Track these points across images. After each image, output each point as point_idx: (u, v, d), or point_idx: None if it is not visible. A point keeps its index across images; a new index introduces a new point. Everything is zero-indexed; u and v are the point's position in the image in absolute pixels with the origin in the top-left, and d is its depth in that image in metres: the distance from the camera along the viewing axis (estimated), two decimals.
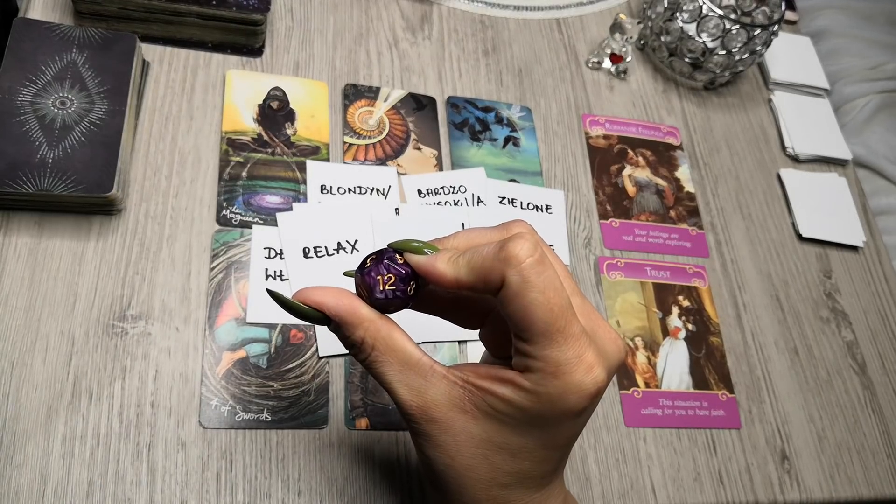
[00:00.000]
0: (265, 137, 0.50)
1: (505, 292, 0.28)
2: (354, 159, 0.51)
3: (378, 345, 0.30)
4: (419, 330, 0.46)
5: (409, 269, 0.30)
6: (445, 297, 0.34)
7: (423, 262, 0.30)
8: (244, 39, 0.52)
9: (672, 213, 0.58)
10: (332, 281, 0.45)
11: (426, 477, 0.33)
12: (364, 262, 0.31)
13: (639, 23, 0.63)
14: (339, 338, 0.31)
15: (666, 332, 0.52)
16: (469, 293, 0.31)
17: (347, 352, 0.33)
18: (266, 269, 0.45)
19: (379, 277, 0.30)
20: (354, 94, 0.54)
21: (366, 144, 0.52)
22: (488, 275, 0.28)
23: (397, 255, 0.31)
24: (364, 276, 0.30)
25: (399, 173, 0.52)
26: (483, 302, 0.33)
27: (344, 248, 0.47)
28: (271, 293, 0.31)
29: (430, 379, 0.30)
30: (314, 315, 0.31)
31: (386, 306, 0.31)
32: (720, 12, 0.59)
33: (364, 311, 0.30)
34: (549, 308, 0.27)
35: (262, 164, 0.49)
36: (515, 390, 0.28)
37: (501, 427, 0.29)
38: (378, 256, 0.31)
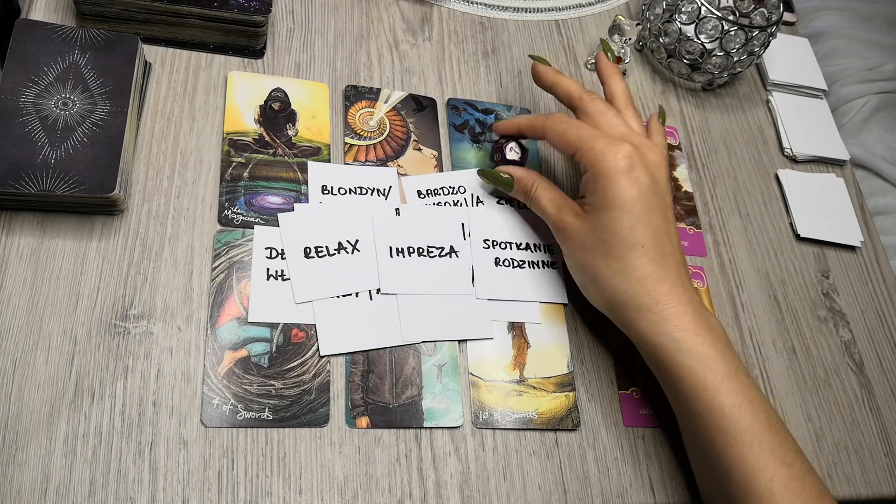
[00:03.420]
0: (266, 138, 0.50)
1: (548, 132, 0.48)
2: (355, 160, 0.52)
3: (539, 187, 0.48)
4: (421, 329, 0.46)
5: (512, 140, 0.53)
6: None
7: (506, 123, 0.52)
8: (246, 41, 0.53)
9: None
10: (332, 281, 0.45)
11: (576, 277, 0.47)
12: (494, 148, 0.54)
13: (637, 24, 0.64)
14: (519, 191, 0.49)
15: None
16: (530, 135, 0.51)
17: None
18: (267, 269, 0.45)
19: (508, 146, 0.52)
20: (355, 95, 0.54)
21: (366, 145, 0.53)
22: (535, 124, 0.50)
23: (500, 139, 0.53)
24: (501, 152, 0.52)
25: (399, 174, 0.52)
26: None
27: (345, 248, 0.47)
28: (480, 171, 0.52)
29: (564, 203, 0.46)
30: (507, 180, 0.50)
31: (516, 162, 0.52)
32: (718, 14, 0.59)
33: (527, 173, 0.49)
34: (575, 129, 0.46)
35: (264, 164, 0.49)
36: (583, 185, 0.46)
37: (593, 217, 0.44)
38: (498, 144, 0.53)
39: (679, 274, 0.44)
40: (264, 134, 0.50)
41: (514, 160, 0.52)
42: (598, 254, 0.44)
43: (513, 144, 0.52)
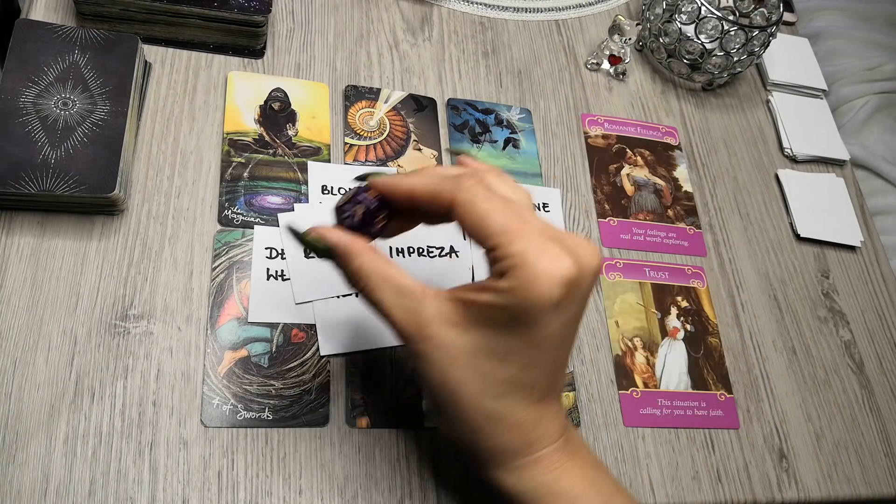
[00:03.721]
0: (266, 138, 0.50)
1: (457, 210, 0.32)
2: (355, 160, 0.52)
3: (373, 273, 0.33)
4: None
5: (378, 201, 0.35)
6: (413, 221, 0.38)
7: (384, 180, 0.35)
8: (246, 41, 0.53)
9: (670, 212, 0.58)
10: (332, 281, 0.45)
11: (429, 401, 0.35)
12: (341, 200, 0.36)
13: (637, 24, 0.64)
14: (341, 270, 0.35)
15: (664, 333, 0.52)
16: (423, 210, 0.34)
17: (351, 288, 0.36)
18: (267, 269, 0.45)
19: (356, 208, 0.35)
20: (355, 95, 0.54)
21: (366, 145, 0.53)
22: (440, 192, 0.32)
23: (368, 192, 0.35)
24: (341, 212, 0.36)
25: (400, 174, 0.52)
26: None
27: None
28: (289, 229, 0.36)
29: (422, 300, 0.32)
30: (323, 247, 0.35)
31: (365, 235, 0.36)
32: (718, 14, 0.59)
33: (360, 244, 0.34)
34: (500, 212, 0.31)
35: (264, 164, 0.49)
36: (494, 293, 0.30)
37: (487, 332, 0.31)
38: (351, 194, 0.36)
39: (558, 402, 0.35)
40: (264, 134, 0.50)
41: (350, 225, 0.36)
42: (469, 382, 0.32)
43: (366, 197, 0.35)
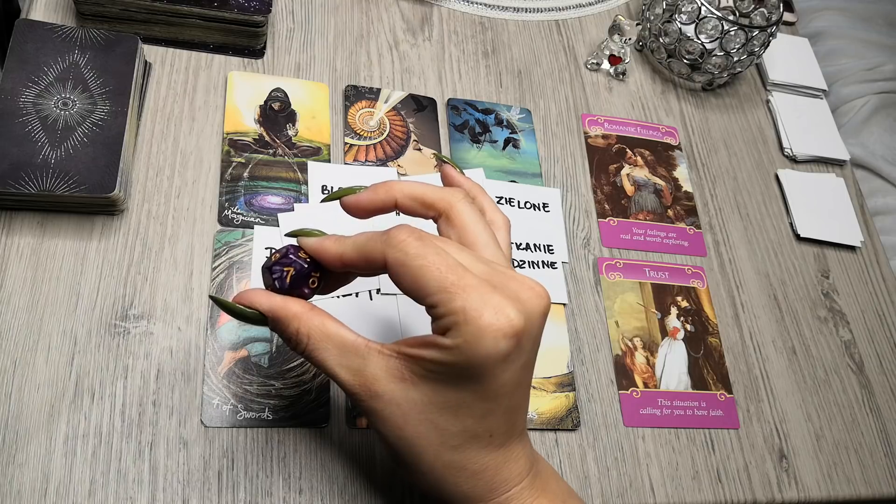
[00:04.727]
0: (266, 138, 0.50)
1: (391, 269, 0.30)
2: (355, 160, 0.52)
3: (313, 334, 0.32)
4: (421, 330, 0.46)
5: (309, 261, 0.33)
6: (349, 277, 0.36)
7: (312, 243, 0.33)
8: (246, 41, 0.53)
9: (670, 212, 0.58)
10: None
11: (388, 454, 0.34)
12: (269, 259, 0.34)
13: (637, 24, 0.64)
14: (278, 334, 0.33)
15: (664, 333, 0.52)
16: (356, 271, 0.33)
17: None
18: None
19: (285, 270, 0.33)
20: (355, 95, 0.54)
21: (366, 145, 0.53)
22: (371, 253, 0.31)
23: (299, 251, 0.34)
24: (270, 273, 0.33)
25: (399, 174, 0.52)
26: None
27: None
28: (213, 298, 0.34)
29: (367, 357, 0.31)
30: (253, 315, 0.33)
31: (296, 296, 0.33)
32: (718, 14, 0.59)
33: (294, 305, 0.32)
34: (435, 268, 0.29)
35: (264, 164, 0.49)
36: (439, 350, 0.30)
37: (437, 386, 0.30)
38: (281, 253, 0.34)
39: (521, 441, 0.34)
40: (264, 134, 0.50)
41: (280, 287, 0.33)
42: (424, 436, 0.31)
43: (296, 257, 0.34)
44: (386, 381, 0.31)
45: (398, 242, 0.30)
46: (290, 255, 0.33)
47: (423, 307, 0.30)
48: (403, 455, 0.32)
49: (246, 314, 0.33)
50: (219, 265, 0.45)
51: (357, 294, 0.46)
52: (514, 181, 0.55)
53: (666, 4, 0.62)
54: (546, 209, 0.54)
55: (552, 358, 0.48)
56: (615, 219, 0.56)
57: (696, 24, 0.60)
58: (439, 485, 0.32)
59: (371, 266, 0.31)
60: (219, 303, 0.33)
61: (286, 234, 0.35)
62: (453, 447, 0.31)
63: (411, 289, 0.30)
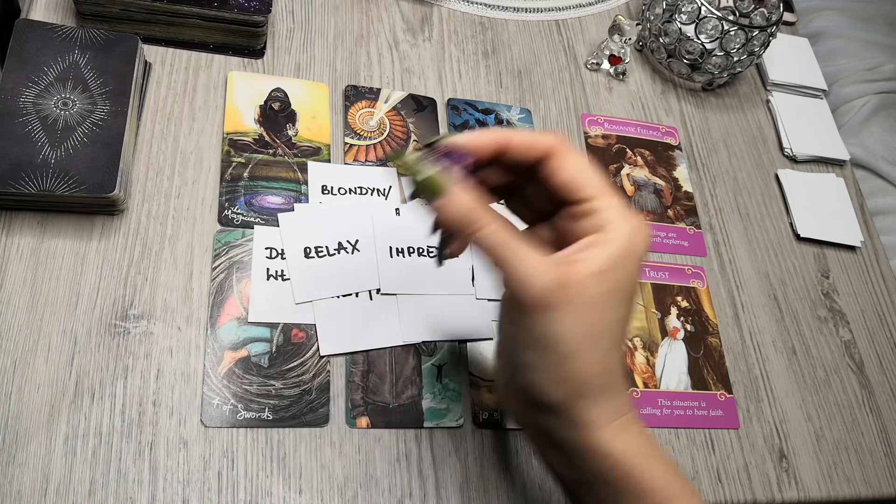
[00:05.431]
0: (266, 138, 0.50)
1: (556, 159, 0.33)
2: (355, 160, 0.52)
3: (507, 241, 0.32)
4: (421, 330, 0.46)
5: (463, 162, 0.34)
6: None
7: (472, 136, 0.34)
8: (246, 41, 0.53)
9: (670, 212, 0.58)
10: (332, 281, 0.45)
11: (532, 373, 0.33)
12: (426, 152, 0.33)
13: (637, 24, 0.64)
14: (449, 220, 0.33)
15: (665, 333, 0.52)
16: (517, 155, 0.34)
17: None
18: (267, 269, 0.45)
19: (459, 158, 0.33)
20: (355, 95, 0.54)
21: (366, 145, 0.53)
22: (539, 139, 0.34)
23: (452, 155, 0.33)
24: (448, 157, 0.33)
25: (399, 174, 0.52)
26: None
27: (345, 248, 0.47)
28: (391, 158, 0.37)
29: (557, 257, 0.32)
30: (441, 186, 0.33)
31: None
32: (718, 14, 0.59)
33: (490, 213, 0.33)
34: (596, 172, 0.33)
35: (264, 164, 0.49)
36: (602, 245, 0.32)
37: (614, 274, 0.32)
38: (436, 153, 0.33)
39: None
40: (264, 134, 0.50)
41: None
42: (601, 333, 0.32)
43: (457, 157, 0.34)
44: (583, 273, 0.31)
45: (563, 140, 0.34)
46: (450, 156, 0.33)
47: (556, 210, 0.34)
48: (568, 348, 0.32)
49: (434, 184, 0.32)
50: (219, 265, 0.45)
51: (357, 294, 0.46)
52: None
53: (666, 4, 0.62)
54: None
55: None
56: None
57: (696, 24, 0.60)
58: (584, 391, 0.32)
59: (532, 149, 0.34)
60: (396, 160, 0.34)
61: (424, 145, 0.34)
62: (607, 350, 0.32)
63: (572, 180, 0.33)
